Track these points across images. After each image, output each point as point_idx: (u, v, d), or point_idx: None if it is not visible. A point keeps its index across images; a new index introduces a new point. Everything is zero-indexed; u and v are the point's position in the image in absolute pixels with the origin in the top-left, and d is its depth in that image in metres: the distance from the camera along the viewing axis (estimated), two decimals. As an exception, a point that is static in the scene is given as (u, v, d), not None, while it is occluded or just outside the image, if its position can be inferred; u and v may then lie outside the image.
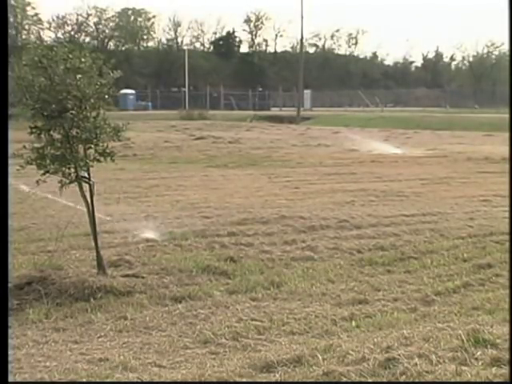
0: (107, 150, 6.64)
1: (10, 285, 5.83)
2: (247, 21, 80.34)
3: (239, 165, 18.57)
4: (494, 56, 78.64)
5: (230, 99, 63.02)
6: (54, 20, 70.89)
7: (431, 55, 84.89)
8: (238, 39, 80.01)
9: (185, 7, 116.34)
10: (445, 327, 4.93)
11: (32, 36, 67.61)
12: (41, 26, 70.83)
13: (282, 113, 54.40)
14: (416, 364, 4.12)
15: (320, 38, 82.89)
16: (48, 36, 68.85)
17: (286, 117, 47.81)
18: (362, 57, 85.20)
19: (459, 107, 53.65)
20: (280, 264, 7.53)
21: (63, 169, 6.49)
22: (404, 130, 33.54)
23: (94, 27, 73.86)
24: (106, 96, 6.59)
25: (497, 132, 27.15)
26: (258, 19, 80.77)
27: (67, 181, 6.53)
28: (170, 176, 15.81)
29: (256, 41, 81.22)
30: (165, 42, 78.37)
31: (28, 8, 68.64)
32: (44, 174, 6.45)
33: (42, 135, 6.46)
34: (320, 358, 4.48)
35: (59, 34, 70.45)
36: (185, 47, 72.29)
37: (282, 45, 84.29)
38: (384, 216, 10.04)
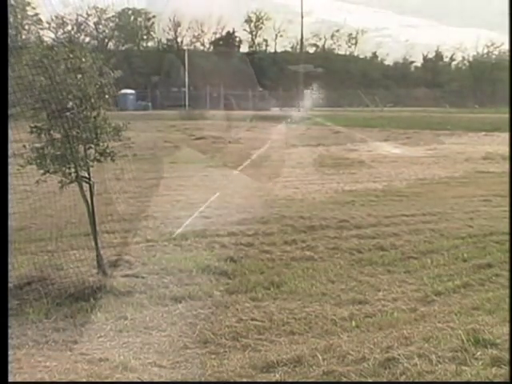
0: (107, 150, 6.64)
1: (10, 285, 5.83)
2: (247, 21, 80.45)
3: (239, 165, 18.55)
4: (494, 56, 78.64)
5: (230, 99, 62.97)
6: (53, 20, 70.96)
7: (431, 55, 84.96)
8: (238, 39, 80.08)
9: (185, 7, 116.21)
10: (445, 327, 4.94)
11: (32, 36, 67.59)
12: (41, 26, 70.83)
13: (282, 113, 54.37)
14: (416, 364, 4.13)
15: (320, 38, 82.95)
16: (48, 36, 68.87)
17: (285, 117, 47.77)
18: (361, 57, 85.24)
19: (459, 107, 53.68)
20: (280, 264, 7.53)
21: (63, 169, 6.48)
22: (404, 129, 33.52)
23: (93, 27, 73.89)
24: (107, 96, 6.58)
25: (497, 132, 27.16)
26: (258, 19, 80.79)
27: (67, 181, 6.53)
28: (169, 176, 15.80)
29: (256, 41, 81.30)
30: (165, 42, 78.42)
31: (28, 8, 68.63)
32: (44, 173, 6.44)
33: (43, 135, 6.45)
34: (320, 357, 4.48)
35: (59, 34, 70.45)
36: (185, 47, 72.29)
37: (282, 45, 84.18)
38: (384, 216, 10.04)
